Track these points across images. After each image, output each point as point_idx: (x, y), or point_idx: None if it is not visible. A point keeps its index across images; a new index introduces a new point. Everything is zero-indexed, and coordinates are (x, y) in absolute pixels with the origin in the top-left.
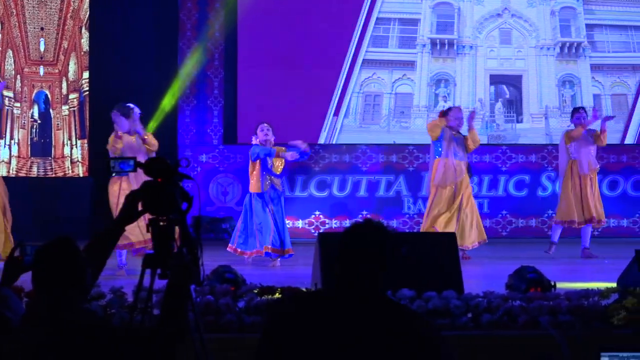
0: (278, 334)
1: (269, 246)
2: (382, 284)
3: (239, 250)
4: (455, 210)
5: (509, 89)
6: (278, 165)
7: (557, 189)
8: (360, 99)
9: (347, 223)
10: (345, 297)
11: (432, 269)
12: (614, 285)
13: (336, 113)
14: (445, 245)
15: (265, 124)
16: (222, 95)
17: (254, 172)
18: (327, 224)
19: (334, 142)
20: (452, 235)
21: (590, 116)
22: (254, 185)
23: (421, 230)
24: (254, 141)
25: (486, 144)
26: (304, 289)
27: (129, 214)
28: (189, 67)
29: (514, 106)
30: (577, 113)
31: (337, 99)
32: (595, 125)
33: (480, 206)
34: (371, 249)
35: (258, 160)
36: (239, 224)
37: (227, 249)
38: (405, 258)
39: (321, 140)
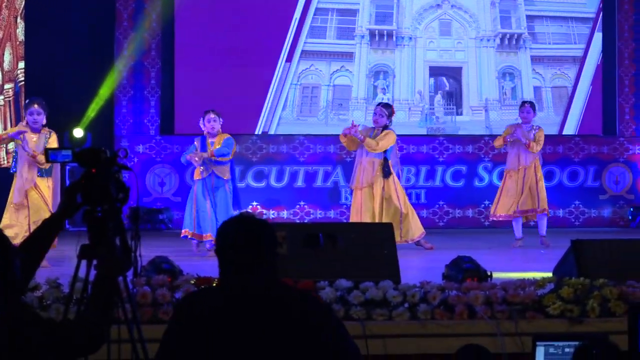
0: (180, 328)
1: (210, 234)
2: (274, 272)
3: (197, 233)
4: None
5: (448, 81)
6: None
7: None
8: (297, 91)
9: (284, 214)
10: (234, 288)
11: (370, 259)
12: (550, 275)
13: (274, 105)
14: (383, 235)
15: (212, 113)
16: (159, 85)
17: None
18: (265, 214)
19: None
20: (389, 226)
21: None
22: (196, 173)
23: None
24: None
25: (423, 135)
26: None
27: (68, 207)
28: (126, 57)
29: (454, 98)
30: (523, 107)
31: (274, 90)
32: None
33: (417, 197)
34: (245, 240)
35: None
36: (188, 209)
37: (182, 234)
38: (342, 248)
39: (258, 131)
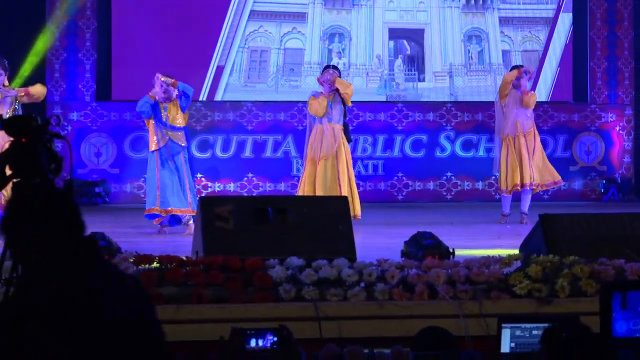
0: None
1: (175, 207)
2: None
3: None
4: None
5: (410, 44)
6: (175, 116)
7: (494, 153)
8: (245, 55)
9: (231, 187)
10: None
11: (323, 235)
12: (517, 252)
13: (219, 69)
14: (337, 209)
15: (161, 76)
16: (94, 48)
17: (149, 129)
18: (210, 187)
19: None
20: (343, 200)
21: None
22: (151, 143)
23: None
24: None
25: (381, 102)
26: (183, 257)
27: None
28: (59, 17)
29: (416, 63)
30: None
31: (219, 54)
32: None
33: (375, 168)
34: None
35: (151, 115)
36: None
37: (145, 214)
38: (293, 224)
39: (202, 98)
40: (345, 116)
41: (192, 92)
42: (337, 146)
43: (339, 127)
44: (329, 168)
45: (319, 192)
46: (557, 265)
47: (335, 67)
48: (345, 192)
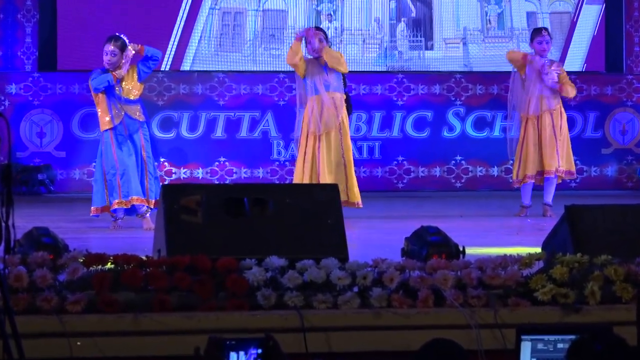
0: None
1: (136, 196)
2: None
3: (127, 200)
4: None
5: (415, 4)
6: (131, 88)
7: (509, 133)
8: (216, 18)
9: (199, 173)
10: None
11: (309, 230)
12: (539, 250)
13: (184, 34)
14: (326, 199)
15: (111, 45)
16: (36, 8)
17: (100, 105)
18: (175, 173)
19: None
20: (333, 187)
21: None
22: (103, 121)
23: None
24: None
25: (377, 72)
26: (143, 257)
27: None
28: None
29: (422, 28)
30: (539, 36)
31: (185, 16)
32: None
33: (370, 151)
34: None
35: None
36: (96, 175)
37: (92, 213)
38: (274, 217)
39: (165, 68)
40: (345, 84)
41: (160, 55)
42: (341, 118)
43: (339, 96)
44: (333, 143)
45: (326, 174)
46: (586, 266)
47: (320, 30)
48: (352, 173)
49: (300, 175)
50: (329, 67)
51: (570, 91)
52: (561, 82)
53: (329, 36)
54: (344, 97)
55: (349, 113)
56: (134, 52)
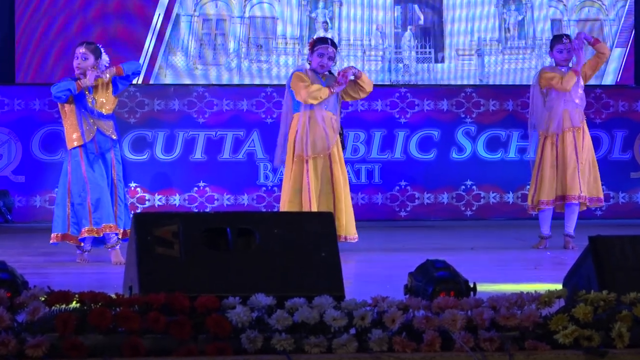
0: None
1: (108, 224)
2: None
3: (71, 234)
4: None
5: (423, 11)
6: (104, 100)
7: (526, 156)
8: (195, 26)
9: (176, 199)
10: None
11: (300, 265)
12: (560, 287)
13: (159, 45)
14: (319, 230)
15: (82, 48)
16: None
17: (68, 119)
18: (148, 200)
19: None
20: (328, 216)
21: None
22: (71, 137)
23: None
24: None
25: (378, 85)
26: (112, 295)
27: None
28: None
29: (431, 37)
30: (559, 44)
31: (158, 24)
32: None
33: (370, 175)
34: None
35: (70, 97)
36: (59, 197)
37: (51, 241)
38: (261, 250)
39: (137, 81)
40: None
41: (140, 68)
42: (334, 143)
43: (336, 118)
44: (320, 169)
45: (313, 202)
46: (613, 304)
47: (334, 45)
48: (342, 205)
49: (288, 204)
50: (328, 84)
51: (604, 48)
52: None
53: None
54: (339, 118)
55: (343, 147)
56: (108, 75)
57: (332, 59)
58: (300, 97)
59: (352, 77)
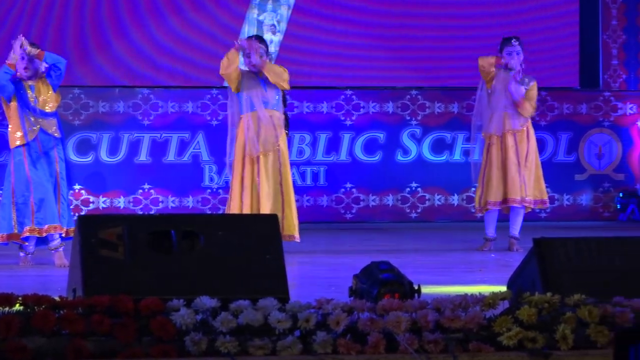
0: None
1: (52, 224)
2: None
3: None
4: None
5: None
6: (46, 97)
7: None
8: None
9: (121, 202)
10: None
11: (245, 267)
12: (504, 289)
13: (103, 45)
14: (264, 232)
15: (24, 41)
16: None
17: (11, 118)
18: (93, 202)
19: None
20: (272, 219)
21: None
22: (14, 136)
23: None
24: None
25: (323, 87)
26: (56, 297)
27: None
28: None
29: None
30: (508, 46)
31: (101, 22)
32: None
33: (315, 177)
34: None
35: (13, 97)
36: (4, 197)
37: None
38: (205, 252)
39: (82, 82)
40: (284, 103)
41: (64, 65)
42: (281, 139)
43: (278, 115)
44: (270, 167)
45: (263, 201)
46: (557, 306)
47: (262, 41)
48: (291, 202)
49: (238, 205)
50: (268, 83)
51: (527, 109)
52: (525, 97)
53: (273, 50)
54: (283, 116)
55: (287, 135)
56: (32, 55)
57: (262, 55)
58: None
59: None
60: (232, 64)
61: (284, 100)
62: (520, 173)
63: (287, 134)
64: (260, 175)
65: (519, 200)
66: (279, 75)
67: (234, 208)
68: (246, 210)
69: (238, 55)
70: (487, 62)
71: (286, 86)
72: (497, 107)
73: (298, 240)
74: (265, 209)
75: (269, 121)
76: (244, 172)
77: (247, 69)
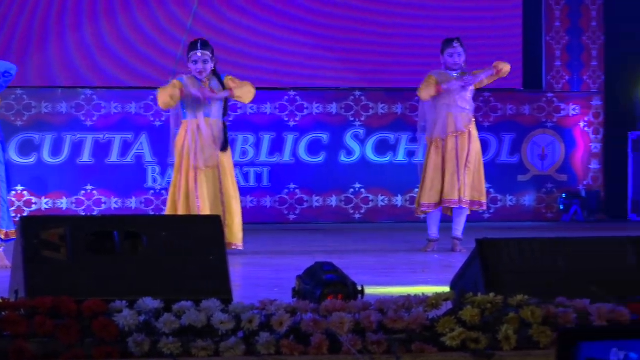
0: None
1: None
2: None
3: None
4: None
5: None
6: None
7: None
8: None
9: (63, 203)
10: None
11: (188, 268)
12: (447, 289)
13: (45, 44)
14: (208, 233)
15: None
16: None
17: None
18: (35, 204)
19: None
20: (215, 220)
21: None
22: None
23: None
24: None
25: (267, 88)
26: None
27: None
28: None
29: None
30: (449, 47)
31: (44, 20)
32: None
33: (258, 178)
34: None
35: None
36: None
37: None
38: (148, 253)
39: (24, 83)
40: (225, 112)
41: (15, 71)
42: (221, 153)
43: (220, 125)
44: (210, 175)
45: (201, 206)
46: (500, 307)
47: (206, 44)
48: (234, 213)
49: (173, 208)
50: (215, 87)
51: (506, 69)
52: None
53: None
54: (223, 125)
55: (224, 149)
56: None
57: (207, 61)
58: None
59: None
60: (173, 101)
61: (226, 109)
62: (459, 174)
63: (224, 148)
64: (199, 182)
65: (456, 201)
66: (251, 94)
67: (169, 211)
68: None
69: (178, 90)
70: (427, 94)
71: (246, 101)
72: (441, 111)
73: (241, 248)
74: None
75: (209, 133)
76: (181, 177)
77: (191, 76)
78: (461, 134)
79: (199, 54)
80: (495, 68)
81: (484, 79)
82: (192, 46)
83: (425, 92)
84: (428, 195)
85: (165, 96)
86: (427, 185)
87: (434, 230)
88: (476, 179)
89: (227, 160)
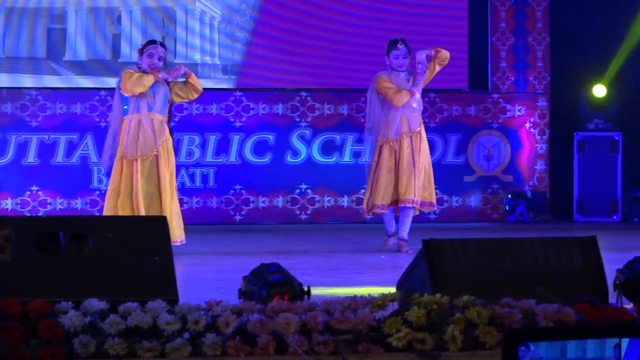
0: None
1: None
2: None
3: None
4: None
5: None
6: None
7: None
8: (30, 23)
9: (8, 204)
10: None
11: (134, 269)
12: (393, 290)
13: None
14: (154, 234)
15: None
16: None
17: None
18: None
19: None
20: (161, 220)
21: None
22: None
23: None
24: None
25: (213, 89)
26: None
27: None
28: None
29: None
30: (395, 49)
31: None
32: None
33: (204, 179)
34: None
35: None
36: None
37: None
38: (94, 254)
39: None
40: (169, 117)
41: None
42: (160, 144)
43: (160, 118)
44: (147, 170)
45: (140, 206)
46: (446, 307)
47: (164, 46)
48: (167, 207)
49: (113, 210)
50: (157, 87)
51: (444, 56)
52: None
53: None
54: (166, 120)
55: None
56: None
57: (162, 59)
58: (126, 90)
59: (182, 75)
60: (146, 88)
61: (169, 113)
62: (414, 174)
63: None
64: (138, 178)
65: (411, 201)
66: (199, 86)
67: (108, 208)
68: (126, 212)
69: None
70: (402, 102)
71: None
72: (395, 112)
73: (178, 244)
74: (141, 211)
75: (149, 126)
76: (118, 173)
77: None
78: (415, 134)
79: (159, 49)
80: (433, 49)
81: (427, 73)
82: (151, 42)
83: (401, 101)
84: (382, 196)
85: (139, 85)
86: (381, 186)
87: (391, 226)
88: (426, 179)
89: (164, 153)
